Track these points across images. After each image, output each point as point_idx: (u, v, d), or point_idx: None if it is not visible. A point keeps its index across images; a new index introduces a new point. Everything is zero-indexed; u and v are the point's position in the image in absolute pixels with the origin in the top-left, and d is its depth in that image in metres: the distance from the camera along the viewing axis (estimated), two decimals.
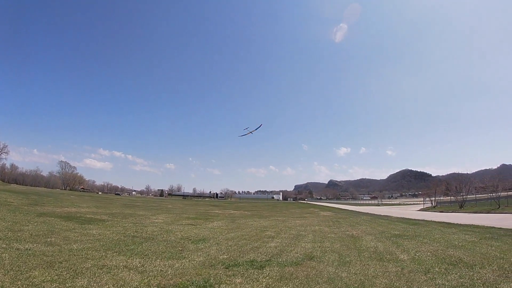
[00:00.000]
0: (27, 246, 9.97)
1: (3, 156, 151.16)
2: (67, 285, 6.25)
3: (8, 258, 8.01)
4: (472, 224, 21.98)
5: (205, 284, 7.03)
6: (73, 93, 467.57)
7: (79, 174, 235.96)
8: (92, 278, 6.91)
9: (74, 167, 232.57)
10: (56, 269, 7.43)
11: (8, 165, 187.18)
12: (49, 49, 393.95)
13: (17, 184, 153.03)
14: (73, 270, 7.47)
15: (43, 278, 6.57)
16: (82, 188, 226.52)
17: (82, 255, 9.44)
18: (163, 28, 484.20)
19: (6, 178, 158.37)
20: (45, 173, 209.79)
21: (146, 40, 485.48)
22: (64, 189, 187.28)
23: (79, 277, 6.91)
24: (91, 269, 7.79)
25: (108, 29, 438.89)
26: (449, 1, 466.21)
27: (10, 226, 13.92)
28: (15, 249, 9.33)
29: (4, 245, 9.61)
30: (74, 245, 10.89)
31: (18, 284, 6.01)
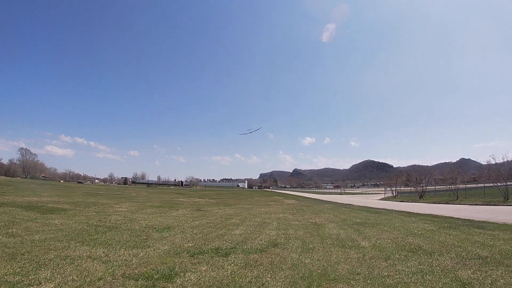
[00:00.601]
0: None
1: None
2: (30, 277, 6.19)
3: None
4: (431, 214, 22.88)
5: (170, 273, 7.11)
6: (33, 77, 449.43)
7: (40, 162, 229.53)
8: (55, 270, 6.86)
9: (35, 154, 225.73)
10: (18, 261, 7.32)
11: None
12: (2, 29, 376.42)
13: None
14: (36, 262, 7.38)
15: (6, 271, 6.48)
16: (43, 176, 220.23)
17: (44, 246, 9.31)
18: (125, 10, 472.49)
19: None
20: (4, 161, 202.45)
21: (108, 20, 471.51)
22: (25, 178, 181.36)
23: (42, 269, 6.84)
24: (54, 260, 7.71)
25: (66, 7, 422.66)
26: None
27: None
28: None
29: None
30: (36, 236, 10.70)
31: None
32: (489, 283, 6.36)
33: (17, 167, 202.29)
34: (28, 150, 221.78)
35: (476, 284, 6.31)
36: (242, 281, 6.65)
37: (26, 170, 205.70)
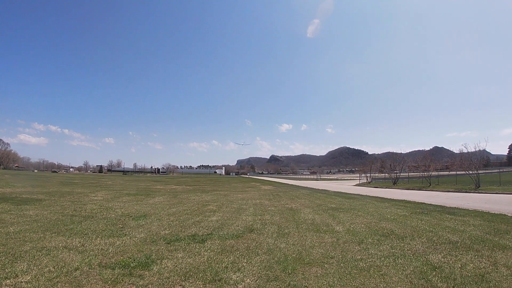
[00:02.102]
0: None
1: None
2: (6, 270, 6.18)
3: None
4: (404, 200, 23.46)
5: (146, 260, 7.20)
6: (2, 63, 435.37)
7: (13, 151, 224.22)
8: (31, 261, 6.86)
9: (8, 144, 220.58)
10: None
11: None
12: None
13: None
14: (11, 255, 7.35)
15: None
16: (16, 166, 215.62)
17: (20, 238, 9.25)
18: None
19: None
20: None
21: (82, 5, 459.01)
22: None
23: (19, 261, 6.83)
24: (30, 252, 7.69)
25: None
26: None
27: None
28: None
29: None
30: (11, 228, 10.61)
31: None
32: (459, 267, 6.62)
33: None
34: (1, 139, 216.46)
35: (446, 268, 6.56)
36: (218, 267, 6.80)
37: None
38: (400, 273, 6.32)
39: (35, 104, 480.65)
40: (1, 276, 5.88)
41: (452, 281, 5.75)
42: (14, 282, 5.59)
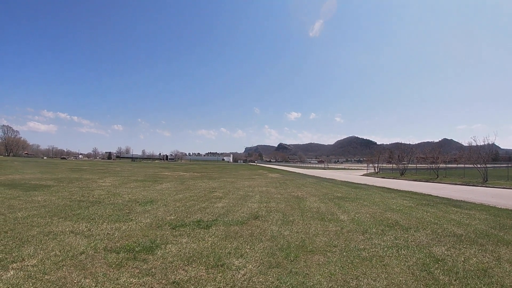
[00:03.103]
0: None
1: None
2: (13, 254, 6.28)
3: None
4: (410, 191, 23.20)
5: (151, 245, 7.29)
6: (11, 52, 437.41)
7: (22, 139, 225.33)
8: (38, 246, 6.97)
9: (17, 131, 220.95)
10: (1, 239, 7.40)
11: None
12: None
13: None
14: (19, 239, 7.47)
15: None
16: (26, 153, 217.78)
17: (27, 223, 9.39)
18: None
19: None
20: None
21: None
22: (7, 155, 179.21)
23: (26, 246, 6.95)
24: (37, 236, 7.81)
25: None
26: None
27: None
28: None
29: None
30: (19, 213, 10.76)
31: None
32: (462, 261, 6.55)
33: None
34: (10, 127, 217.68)
35: (449, 261, 6.51)
36: (221, 252, 6.86)
37: (9, 148, 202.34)
38: (402, 264, 6.30)
39: (44, 92, 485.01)
40: (8, 260, 5.98)
41: (454, 275, 5.71)
42: (20, 266, 5.69)
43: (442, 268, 6.05)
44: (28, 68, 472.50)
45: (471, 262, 6.50)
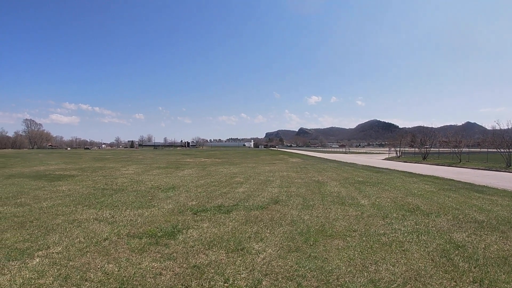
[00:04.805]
0: None
1: None
2: (39, 242, 6.42)
3: None
4: (432, 175, 22.68)
5: (173, 230, 7.39)
6: (29, 46, 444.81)
7: (45, 131, 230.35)
8: (63, 233, 7.13)
9: (40, 124, 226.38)
10: (27, 229, 7.56)
11: None
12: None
13: None
14: (44, 228, 7.64)
15: (15, 238, 6.72)
16: (50, 145, 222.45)
17: (52, 212, 9.60)
18: None
19: None
20: (10, 134, 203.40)
21: None
22: (32, 148, 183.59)
23: (51, 234, 7.11)
24: (62, 224, 7.98)
25: None
26: None
27: None
28: None
29: None
30: (44, 203, 10.99)
31: None
32: (483, 248, 6.37)
33: (23, 139, 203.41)
34: (33, 120, 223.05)
35: (470, 247, 6.35)
36: (242, 237, 6.89)
37: (33, 140, 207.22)
38: (422, 249, 6.19)
39: (65, 85, 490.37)
40: (34, 248, 6.11)
41: (474, 262, 5.56)
42: (45, 253, 5.81)
43: (462, 255, 5.89)
44: (48, 62, 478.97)
45: (491, 249, 6.29)
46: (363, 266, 5.34)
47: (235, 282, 4.64)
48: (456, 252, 6.05)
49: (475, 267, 5.31)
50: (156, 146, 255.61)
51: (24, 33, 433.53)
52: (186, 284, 4.57)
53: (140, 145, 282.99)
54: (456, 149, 42.86)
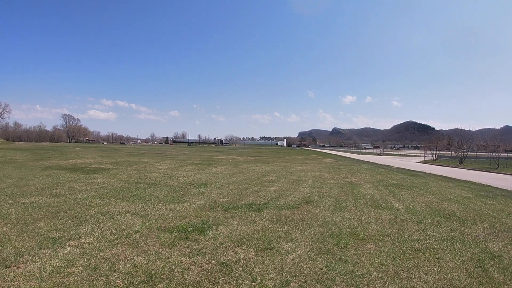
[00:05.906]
0: (32, 199, 10.18)
1: (5, 115, 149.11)
2: (71, 232, 6.53)
3: (14, 213, 8.23)
4: (469, 181, 21.80)
5: (203, 226, 7.36)
6: (71, 45, 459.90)
7: (83, 126, 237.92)
8: (95, 224, 7.23)
9: (78, 119, 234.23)
10: (61, 219, 7.71)
11: (11, 124, 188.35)
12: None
13: (21, 141, 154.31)
14: (77, 218, 7.78)
15: (48, 228, 6.85)
16: (87, 139, 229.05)
17: (86, 203, 9.78)
18: None
19: (10, 137, 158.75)
20: (49, 128, 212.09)
21: None
22: (69, 142, 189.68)
23: (83, 224, 7.22)
24: (94, 216, 8.11)
25: None
26: None
27: (15, 182, 14.13)
28: (21, 203, 9.54)
29: (11, 201, 9.81)
30: (78, 195, 11.22)
31: (24, 236, 6.25)
32: None
33: (61, 133, 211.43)
34: (71, 115, 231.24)
35: (506, 258, 5.98)
36: (271, 236, 6.78)
37: (70, 134, 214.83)
38: (456, 258, 5.87)
39: (103, 82, 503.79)
40: (66, 237, 6.20)
41: (510, 274, 5.20)
42: (77, 243, 5.88)
43: (497, 266, 5.53)
44: (87, 60, 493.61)
45: None
46: (394, 272, 5.10)
47: (263, 282, 4.53)
48: (492, 263, 5.69)
49: (510, 280, 4.97)
50: (190, 143, 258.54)
51: (68, 35, 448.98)
52: (213, 281, 4.49)
53: (174, 141, 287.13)
54: (494, 153, 41.23)
